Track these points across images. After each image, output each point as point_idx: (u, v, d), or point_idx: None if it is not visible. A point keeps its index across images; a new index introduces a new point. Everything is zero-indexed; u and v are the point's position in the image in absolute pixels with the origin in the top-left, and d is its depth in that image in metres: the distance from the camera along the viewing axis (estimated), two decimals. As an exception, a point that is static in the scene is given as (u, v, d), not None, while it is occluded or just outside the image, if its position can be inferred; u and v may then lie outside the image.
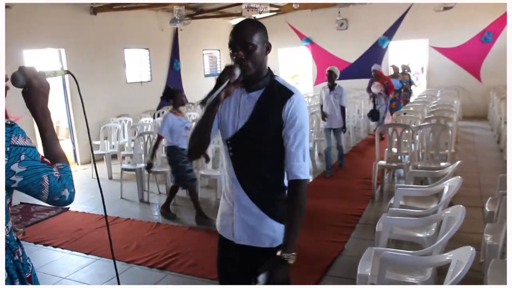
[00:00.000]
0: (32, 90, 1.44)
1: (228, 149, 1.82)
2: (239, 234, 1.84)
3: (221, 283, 2.01)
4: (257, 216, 1.80)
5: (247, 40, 1.66)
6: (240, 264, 1.94)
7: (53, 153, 1.47)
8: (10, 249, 1.41)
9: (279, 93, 1.74)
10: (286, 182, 1.79)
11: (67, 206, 5.68)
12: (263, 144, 1.76)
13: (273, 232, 1.80)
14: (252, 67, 1.69)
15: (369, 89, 9.12)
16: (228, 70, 1.64)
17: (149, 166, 5.14)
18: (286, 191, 1.78)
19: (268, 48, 1.75)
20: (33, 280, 1.50)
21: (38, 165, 1.35)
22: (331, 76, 6.37)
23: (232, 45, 1.69)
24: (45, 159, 1.40)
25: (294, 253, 1.64)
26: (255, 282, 1.61)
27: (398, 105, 9.64)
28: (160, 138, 4.87)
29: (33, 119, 1.49)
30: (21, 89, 1.46)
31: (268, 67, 1.81)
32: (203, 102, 1.62)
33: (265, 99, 1.75)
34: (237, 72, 1.64)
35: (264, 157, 1.78)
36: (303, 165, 1.71)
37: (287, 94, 1.73)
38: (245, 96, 1.78)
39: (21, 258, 1.45)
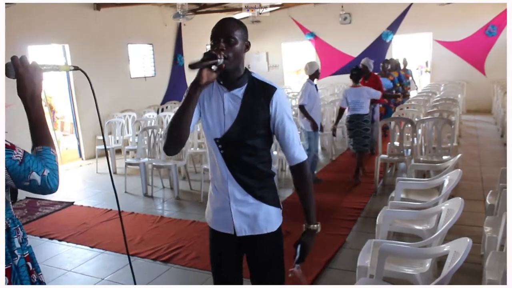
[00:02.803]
0: (20, 78, 1.47)
1: (218, 147, 1.85)
2: (239, 226, 1.89)
3: (215, 276, 2.04)
4: (254, 206, 1.88)
5: (230, 33, 1.74)
6: (237, 258, 2.00)
7: (37, 135, 1.47)
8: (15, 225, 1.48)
9: (263, 90, 1.82)
10: (274, 168, 1.97)
11: (71, 201, 5.75)
12: (253, 139, 1.82)
13: (269, 216, 1.90)
14: (232, 59, 1.74)
15: None
16: (213, 53, 1.68)
17: (333, 131, 6.49)
18: (293, 174, 1.93)
19: (247, 46, 1.83)
20: (31, 258, 1.55)
21: None
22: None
23: (215, 37, 1.76)
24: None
25: (319, 223, 1.90)
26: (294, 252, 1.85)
27: (388, 111, 7.68)
28: (342, 109, 5.88)
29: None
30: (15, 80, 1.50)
31: (245, 67, 1.86)
32: (191, 65, 1.65)
33: (250, 97, 1.81)
34: (221, 59, 1.69)
35: (255, 151, 1.84)
36: (300, 148, 1.89)
37: (271, 90, 1.82)
38: (228, 94, 1.82)
39: (20, 238, 1.51)
